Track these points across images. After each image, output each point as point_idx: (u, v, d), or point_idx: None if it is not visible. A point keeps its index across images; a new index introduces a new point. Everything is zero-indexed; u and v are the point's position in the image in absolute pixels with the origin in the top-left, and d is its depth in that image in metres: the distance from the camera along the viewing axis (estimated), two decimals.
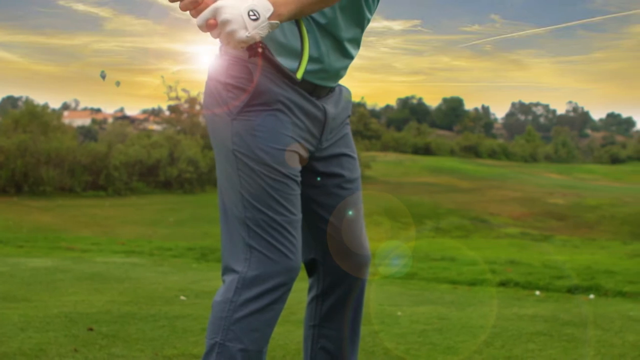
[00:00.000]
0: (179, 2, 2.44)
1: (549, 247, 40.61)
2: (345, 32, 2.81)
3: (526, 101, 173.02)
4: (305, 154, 2.86)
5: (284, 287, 2.77)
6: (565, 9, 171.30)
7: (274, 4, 2.45)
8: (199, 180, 58.52)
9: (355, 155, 3.10)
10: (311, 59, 2.72)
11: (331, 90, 2.90)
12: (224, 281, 2.81)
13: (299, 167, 2.82)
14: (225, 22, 2.38)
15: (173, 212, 46.73)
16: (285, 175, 2.75)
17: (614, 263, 21.89)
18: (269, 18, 2.43)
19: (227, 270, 2.79)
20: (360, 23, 2.87)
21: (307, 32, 2.70)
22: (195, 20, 2.43)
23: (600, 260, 24.05)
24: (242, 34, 2.39)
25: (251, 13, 2.39)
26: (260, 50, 2.49)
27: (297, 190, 2.81)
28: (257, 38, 2.43)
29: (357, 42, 2.89)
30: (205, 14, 2.39)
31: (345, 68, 2.92)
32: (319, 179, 2.97)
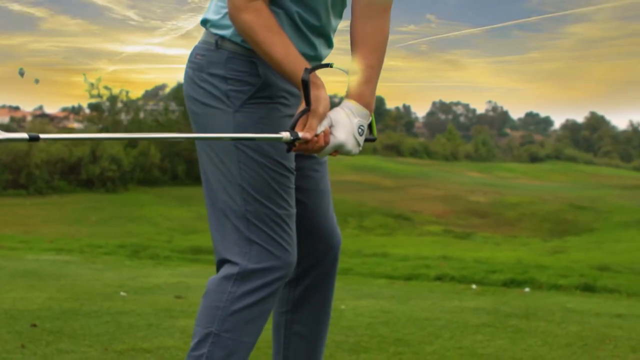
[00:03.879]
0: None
1: (472, 244, 41.19)
2: (333, 26, 2.88)
3: (447, 100, 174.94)
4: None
5: (281, 281, 2.76)
6: (501, 8, 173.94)
7: (366, 105, 2.64)
8: (121, 179, 57.83)
9: None
10: (309, 58, 2.72)
11: None
12: (218, 271, 2.78)
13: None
14: (348, 152, 2.60)
15: (95, 211, 46.13)
16: (287, 169, 2.76)
17: (535, 260, 22.28)
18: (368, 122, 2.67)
19: (223, 261, 2.77)
20: (342, 13, 2.93)
21: (303, 38, 2.76)
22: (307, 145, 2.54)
23: (523, 257, 24.44)
24: (357, 151, 2.64)
25: (360, 130, 2.61)
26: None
27: (294, 184, 2.82)
28: None
29: (335, 30, 2.91)
30: (329, 150, 2.59)
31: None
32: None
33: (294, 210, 2.80)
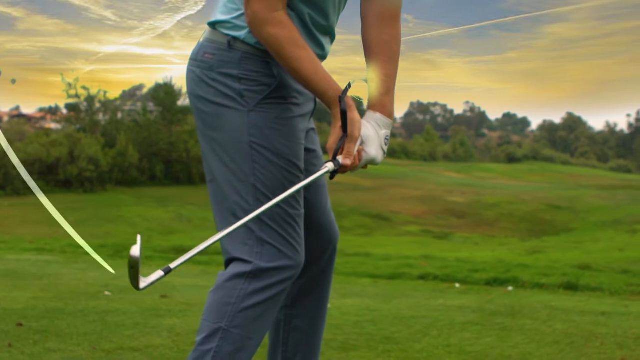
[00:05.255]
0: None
1: (451, 244, 41.28)
2: (336, 23, 2.87)
3: (424, 101, 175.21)
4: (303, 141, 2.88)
5: (291, 280, 2.76)
6: (478, 8, 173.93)
7: (389, 115, 2.74)
8: (99, 179, 57.72)
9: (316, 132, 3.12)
10: (317, 57, 2.70)
11: None
12: (227, 267, 2.77)
13: None
14: (376, 164, 2.71)
15: (73, 212, 45.80)
16: (299, 169, 2.76)
17: (514, 259, 22.34)
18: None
19: (233, 259, 2.74)
20: (343, 8, 2.92)
21: (312, 38, 2.76)
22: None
23: (503, 257, 24.51)
24: (382, 160, 2.72)
25: (386, 141, 2.70)
26: None
27: None
28: None
29: (336, 25, 2.91)
30: (361, 166, 2.66)
31: None
32: None
33: (302, 210, 2.80)
